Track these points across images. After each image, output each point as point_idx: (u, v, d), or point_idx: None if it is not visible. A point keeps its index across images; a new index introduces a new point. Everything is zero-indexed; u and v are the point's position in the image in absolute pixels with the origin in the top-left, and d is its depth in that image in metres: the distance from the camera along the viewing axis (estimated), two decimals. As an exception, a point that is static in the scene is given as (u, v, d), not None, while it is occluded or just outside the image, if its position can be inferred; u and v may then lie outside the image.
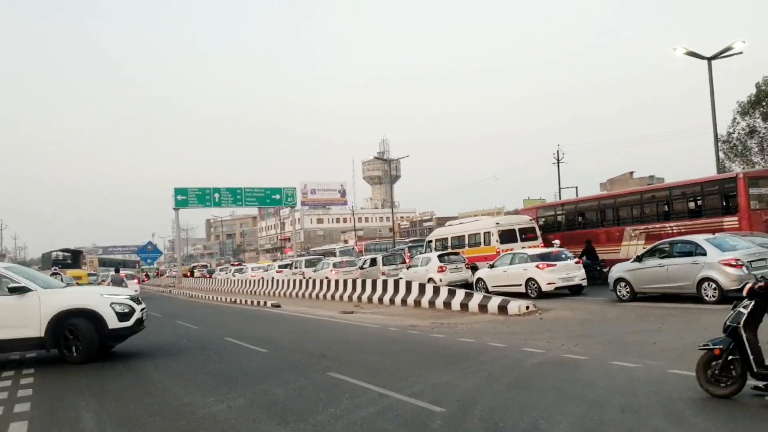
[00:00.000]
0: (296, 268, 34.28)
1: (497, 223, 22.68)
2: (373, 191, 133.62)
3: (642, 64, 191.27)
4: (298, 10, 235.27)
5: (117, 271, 26.43)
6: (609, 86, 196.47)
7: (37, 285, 9.99)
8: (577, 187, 60.17)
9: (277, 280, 30.69)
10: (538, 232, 22.46)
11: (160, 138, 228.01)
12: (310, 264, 33.52)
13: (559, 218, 23.39)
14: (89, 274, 39.18)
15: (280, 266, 36.22)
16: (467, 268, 22.08)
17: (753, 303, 5.63)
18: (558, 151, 57.89)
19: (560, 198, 61.56)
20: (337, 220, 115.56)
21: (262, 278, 34.34)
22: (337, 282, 24.26)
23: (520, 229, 22.37)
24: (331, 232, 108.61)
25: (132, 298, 10.59)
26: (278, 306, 22.33)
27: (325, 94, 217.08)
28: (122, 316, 10.05)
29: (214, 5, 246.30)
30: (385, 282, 20.82)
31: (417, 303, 17.97)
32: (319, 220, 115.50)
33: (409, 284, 19.19)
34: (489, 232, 22.58)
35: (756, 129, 29.36)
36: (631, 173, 62.97)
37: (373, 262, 27.32)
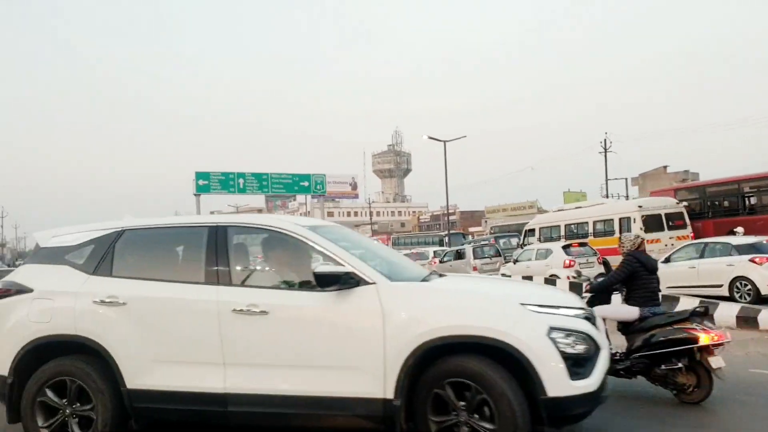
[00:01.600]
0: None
1: (640, 207, 18.23)
2: (383, 185, 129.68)
3: (652, 58, 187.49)
4: (300, 14, 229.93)
5: None
6: (620, 82, 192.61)
7: (377, 272, 4.07)
8: (627, 179, 56.31)
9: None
10: (687, 219, 18.09)
11: (161, 134, 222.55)
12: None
13: (711, 202, 18.93)
14: None
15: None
16: (599, 262, 17.77)
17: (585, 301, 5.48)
18: (605, 140, 54.30)
19: (607, 190, 57.63)
20: (348, 214, 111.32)
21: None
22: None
23: (666, 215, 18.00)
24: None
25: (587, 316, 4.11)
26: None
27: (331, 92, 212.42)
28: (576, 365, 3.71)
29: (224, 8, 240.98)
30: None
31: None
32: (330, 213, 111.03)
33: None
34: (628, 218, 18.14)
35: None
36: (665, 167, 59.47)
37: (459, 254, 22.90)
